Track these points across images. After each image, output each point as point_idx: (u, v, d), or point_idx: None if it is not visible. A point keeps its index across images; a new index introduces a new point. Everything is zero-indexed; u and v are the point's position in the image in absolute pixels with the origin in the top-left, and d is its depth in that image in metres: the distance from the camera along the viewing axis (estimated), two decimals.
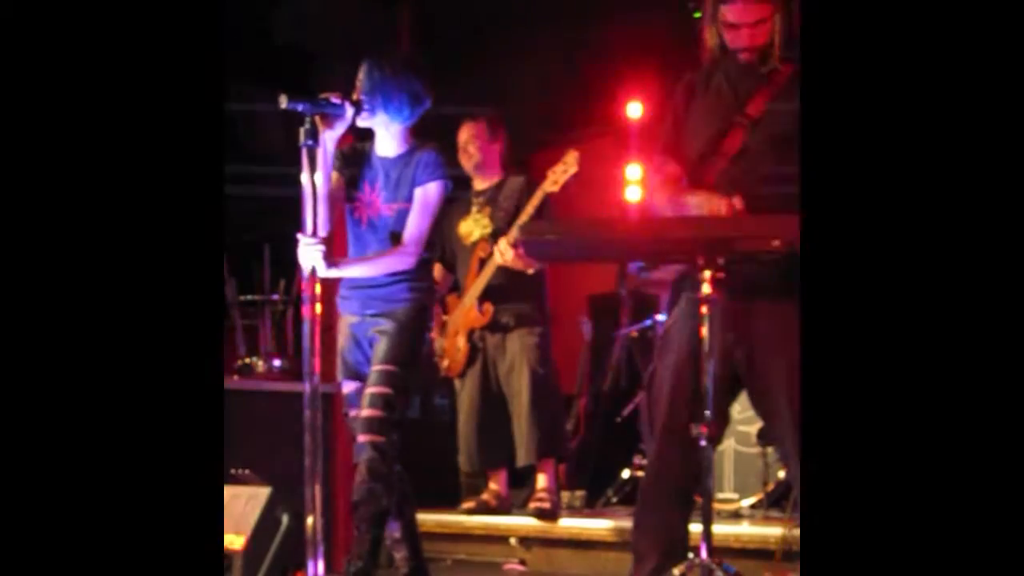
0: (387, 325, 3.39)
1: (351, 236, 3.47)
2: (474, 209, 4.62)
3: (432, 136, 3.46)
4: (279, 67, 5.52)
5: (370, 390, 3.35)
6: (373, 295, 3.42)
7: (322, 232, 3.25)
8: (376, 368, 3.36)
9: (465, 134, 4.64)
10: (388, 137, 3.38)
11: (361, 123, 3.27)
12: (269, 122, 5.69)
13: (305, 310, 2.80)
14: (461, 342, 4.60)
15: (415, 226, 3.32)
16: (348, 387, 3.48)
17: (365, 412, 3.34)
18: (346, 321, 3.51)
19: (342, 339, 3.52)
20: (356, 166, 3.43)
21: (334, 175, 3.40)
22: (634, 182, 6.40)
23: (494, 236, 4.51)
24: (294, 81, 4.78)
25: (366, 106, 3.22)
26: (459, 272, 4.69)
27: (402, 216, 3.34)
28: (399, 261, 3.33)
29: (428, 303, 3.50)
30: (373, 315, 3.42)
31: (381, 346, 3.38)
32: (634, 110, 6.29)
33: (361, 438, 3.32)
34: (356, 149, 3.46)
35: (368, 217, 3.41)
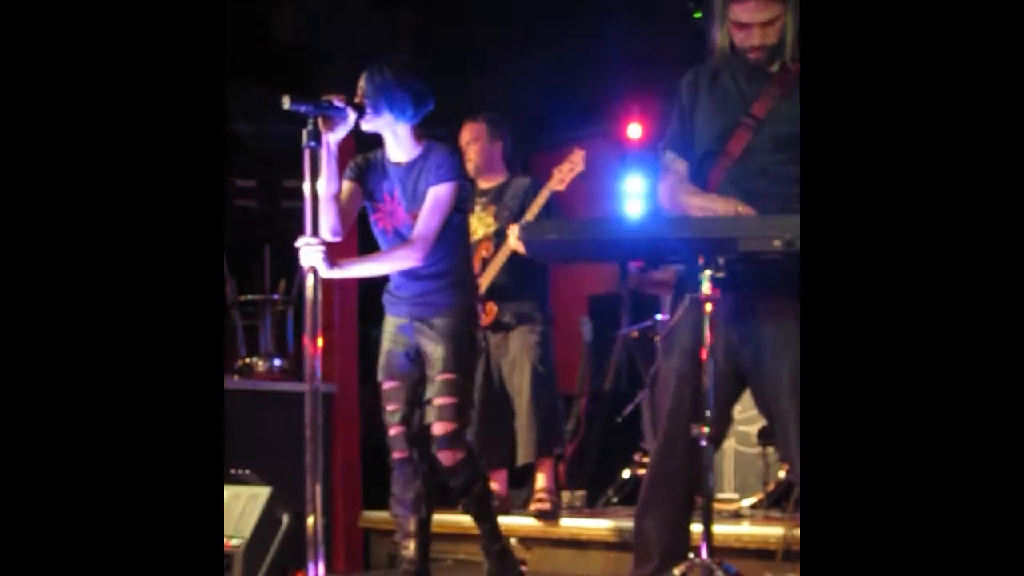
0: (437, 331, 3.42)
1: (381, 247, 3.49)
2: (478, 208, 4.62)
3: (433, 138, 3.46)
4: (280, 67, 5.52)
5: (438, 402, 3.42)
6: (420, 300, 3.45)
7: (335, 238, 3.29)
8: (439, 379, 3.42)
9: (466, 136, 4.64)
10: (397, 142, 3.37)
11: (366, 127, 3.28)
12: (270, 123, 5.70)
13: (306, 311, 2.82)
14: None
15: (424, 224, 3.31)
16: (388, 385, 3.51)
17: (438, 428, 3.42)
18: (392, 322, 3.53)
19: (386, 340, 3.54)
20: (371, 176, 3.44)
21: (348, 184, 3.41)
22: (634, 195, 6.37)
23: (498, 236, 4.52)
24: (295, 82, 4.79)
25: (369, 109, 3.23)
26: None
27: None
28: (405, 259, 3.33)
29: (473, 303, 3.55)
30: (419, 319, 3.45)
31: (437, 355, 3.42)
32: (634, 131, 6.29)
33: (444, 457, 3.43)
34: (368, 159, 3.46)
35: (393, 227, 3.42)
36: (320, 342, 2.80)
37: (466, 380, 3.45)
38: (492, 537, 3.59)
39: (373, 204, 3.45)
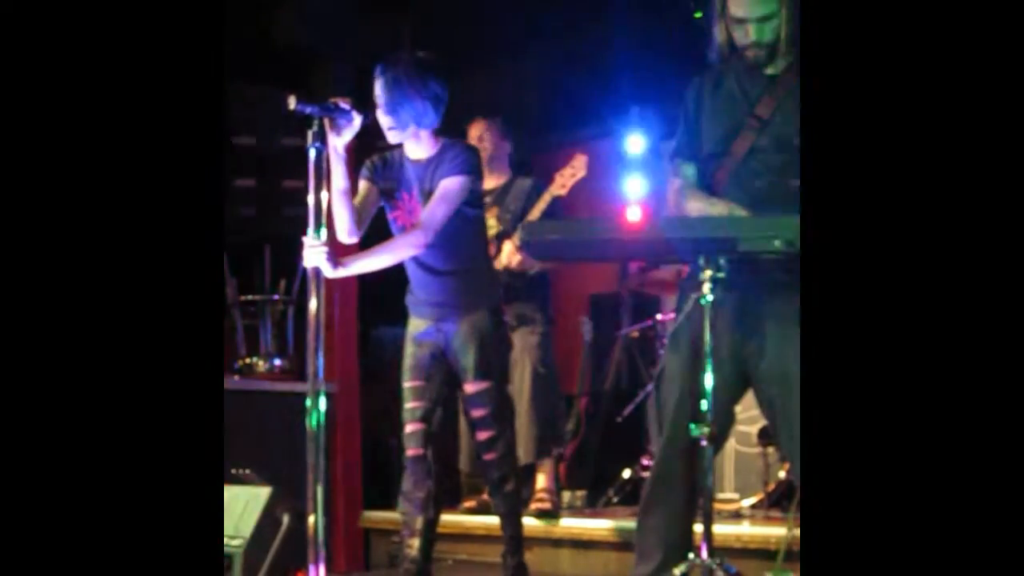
0: (463, 336, 3.43)
1: None
2: None
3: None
4: (280, 67, 5.52)
5: (474, 414, 3.47)
6: (443, 301, 3.45)
7: (352, 239, 3.29)
8: (471, 389, 3.45)
9: (478, 129, 4.65)
10: (417, 142, 3.39)
11: (394, 140, 3.32)
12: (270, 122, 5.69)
13: (308, 310, 2.82)
14: None
15: (429, 211, 3.30)
16: (412, 384, 3.51)
17: (479, 435, 3.49)
18: (415, 325, 3.54)
19: (410, 343, 3.54)
20: (389, 174, 3.44)
21: (364, 184, 3.42)
22: (635, 198, 6.35)
23: (499, 237, 4.52)
24: (295, 82, 4.79)
25: (394, 122, 3.27)
26: None
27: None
28: (407, 245, 3.32)
29: (497, 300, 3.55)
30: (445, 321, 3.46)
31: (467, 363, 3.43)
32: (634, 143, 6.27)
33: (486, 456, 3.50)
34: (386, 159, 3.46)
35: (412, 223, 3.41)
36: (321, 342, 2.81)
37: (498, 383, 3.47)
38: (512, 548, 3.60)
39: (391, 202, 3.46)
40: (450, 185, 3.30)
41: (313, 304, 2.84)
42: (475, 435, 3.51)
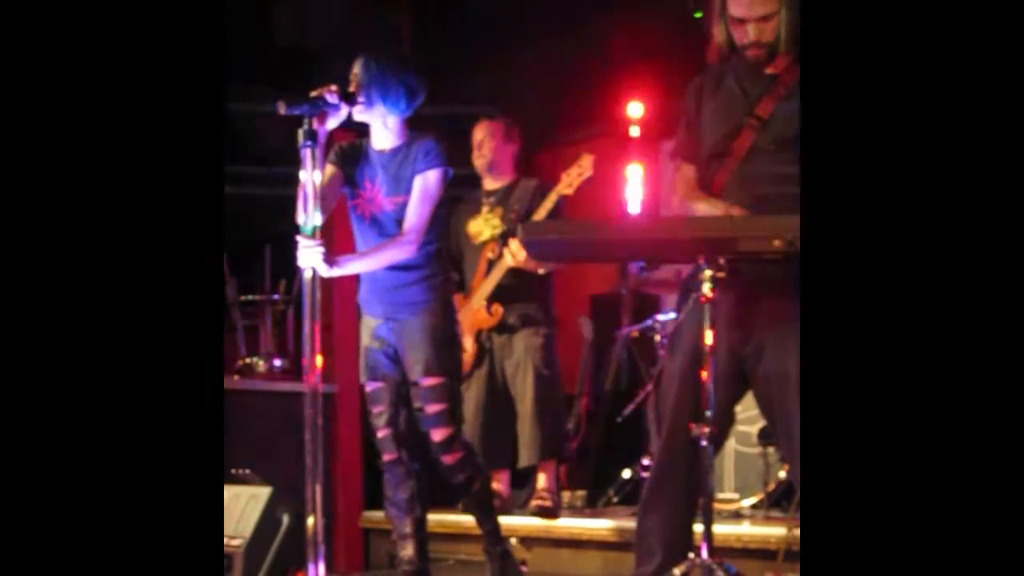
0: (416, 332, 3.40)
1: (356, 233, 3.48)
2: (485, 209, 4.61)
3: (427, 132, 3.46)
4: (279, 67, 5.52)
5: (430, 410, 3.40)
6: (396, 298, 3.43)
7: (315, 222, 3.28)
8: (425, 384, 3.40)
9: (481, 133, 4.63)
10: (385, 131, 3.39)
11: (359, 117, 3.29)
12: (269, 122, 5.69)
13: (305, 310, 2.82)
14: (468, 343, 4.57)
15: (415, 214, 3.31)
16: (372, 387, 3.50)
17: (436, 435, 3.41)
18: (369, 323, 3.52)
19: (365, 339, 3.53)
20: (354, 163, 3.44)
21: (330, 168, 3.41)
22: (635, 183, 6.38)
23: (504, 237, 4.51)
24: (295, 82, 4.78)
25: (363, 100, 3.24)
26: (466, 272, 4.67)
27: (405, 209, 3.35)
28: (400, 251, 3.33)
29: (449, 297, 3.53)
30: (397, 318, 3.44)
31: (419, 357, 3.40)
32: (635, 109, 6.28)
33: (446, 459, 3.43)
34: (354, 146, 3.47)
35: (371, 213, 3.41)
36: (320, 342, 2.81)
37: (452, 380, 3.43)
38: (493, 539, 3.59)
39: (354, 191, 3.45)
40: (429, 181, 3.31)
41: (309, 303, 2.84)
42: (432, 436, 3.41)
